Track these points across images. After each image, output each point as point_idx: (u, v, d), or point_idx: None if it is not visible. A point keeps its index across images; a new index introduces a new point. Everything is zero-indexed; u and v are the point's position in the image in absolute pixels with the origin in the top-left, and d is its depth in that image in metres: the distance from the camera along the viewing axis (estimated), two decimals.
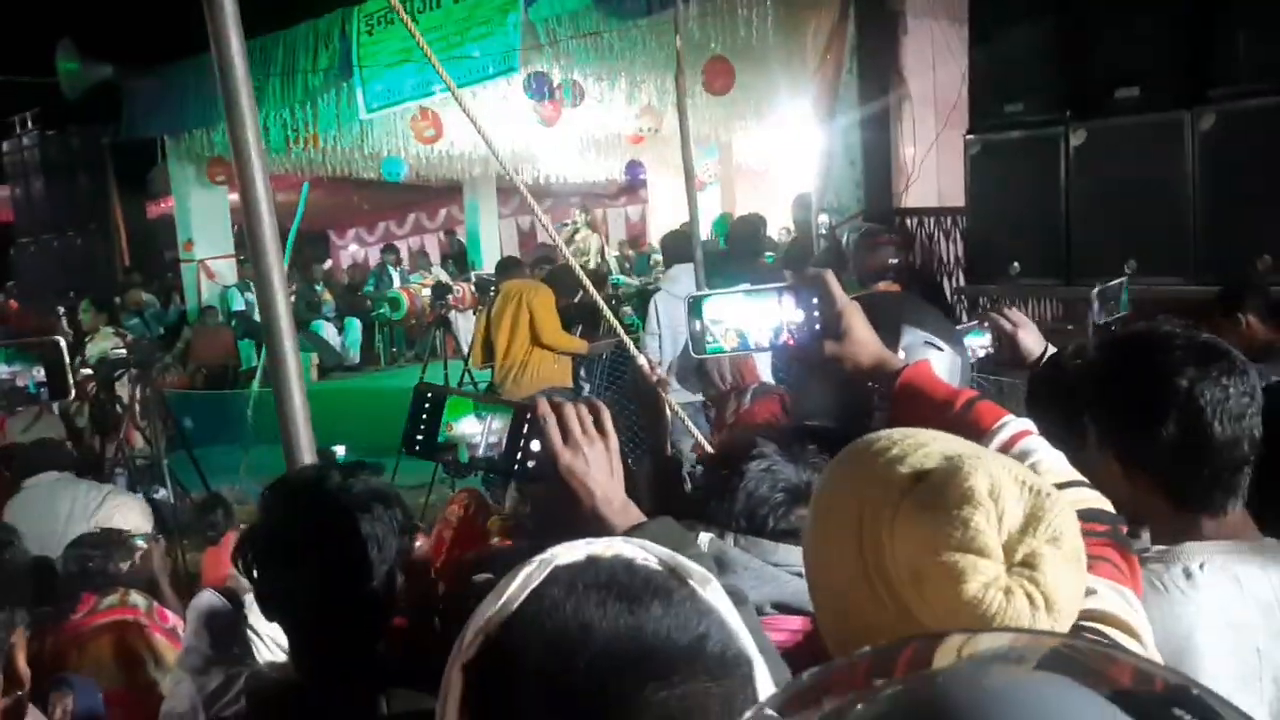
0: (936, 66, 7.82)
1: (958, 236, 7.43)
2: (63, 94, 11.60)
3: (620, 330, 4.47)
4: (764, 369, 3.95)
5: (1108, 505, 1.22)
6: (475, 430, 1.25)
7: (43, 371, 1.47)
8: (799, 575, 1.49)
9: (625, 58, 9.05)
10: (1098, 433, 1.42)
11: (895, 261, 5.61)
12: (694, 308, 1.56)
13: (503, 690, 0.74)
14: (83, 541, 4.12)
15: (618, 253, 15.19)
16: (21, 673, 1.15)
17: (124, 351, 6.62)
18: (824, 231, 7.81)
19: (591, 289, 4.78)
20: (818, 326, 1.49)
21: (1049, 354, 2.01)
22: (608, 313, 4.23)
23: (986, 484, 0.91)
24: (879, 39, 7.67)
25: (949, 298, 6.74)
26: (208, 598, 4.24)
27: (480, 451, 1.25)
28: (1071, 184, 5.38)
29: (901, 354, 1.58)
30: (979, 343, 2.26)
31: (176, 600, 4.68)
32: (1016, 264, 5.73)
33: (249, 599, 4.57)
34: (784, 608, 1.34)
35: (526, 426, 1.22)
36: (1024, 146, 5.65)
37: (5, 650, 1.12)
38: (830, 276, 1.51)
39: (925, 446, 0.99)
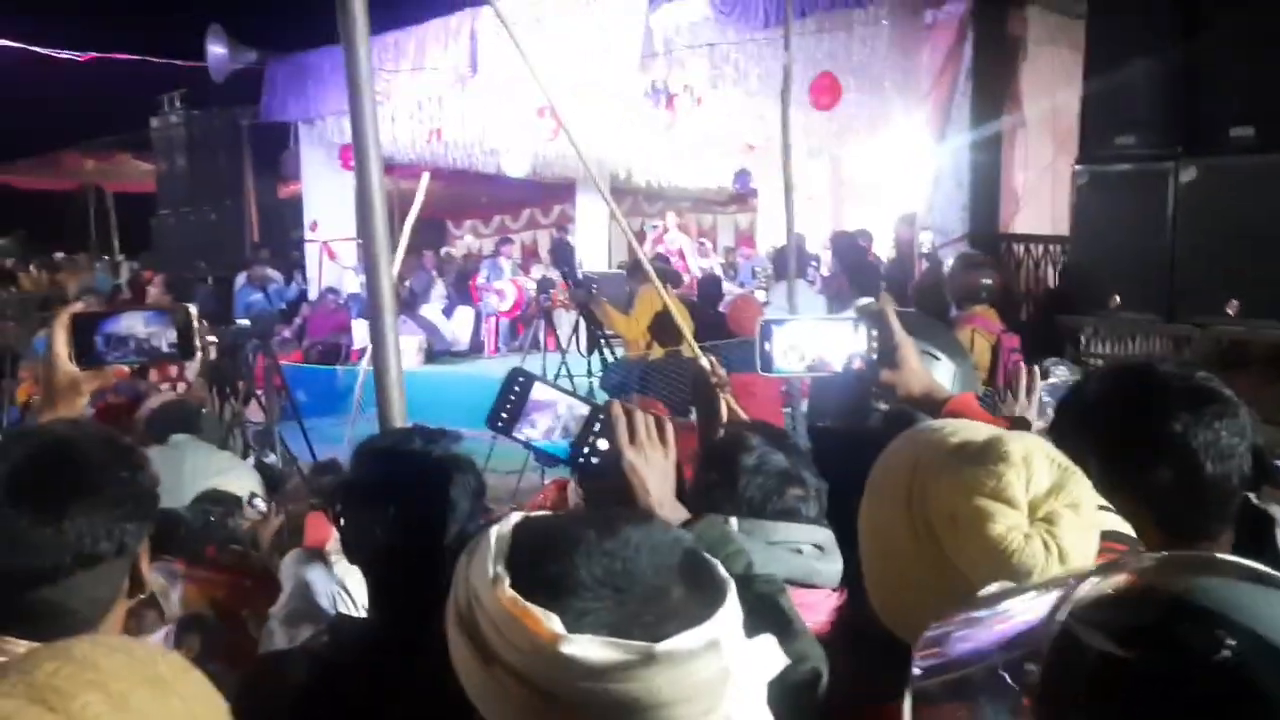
0: (1056, 93, 7.75)
1: (1063, 265, 7.36)
2: (209, 76, 12.29)
3: (686, 332, 4.62)
4: None
5: (1128, 529, 1.34)
6: (553, 419, 1.41)
7: (175, 333, 1.66)
8: (798, 552, 1.65)
9: (741, 68, 9.18)
10: (1095, 462, 1.53)
11: (990, 284, 5.62)
12: (764, 331, 1.74)
13: None
14: (206, 498, 4.48)
15: (723, 259, 15.30)
16: (146, 579, 1.36)
17: (247, 322, 7.02)
18: (926, 251, 7.82)
19: (661, 288, 4.95)
20: (874, 356, 1.69)
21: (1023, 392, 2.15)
22: (676, 314, 4.38)
23: (1021, 451, 1.09)
24: (997, 63, 7.64)
25: (1047, 326, 6.68)
26: (301, 555, 4.56)
27: (555, 439, 1.41)
28: (1179, 220, 5.31)
29: None
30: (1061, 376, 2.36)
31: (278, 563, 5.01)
32: (1117, 297, 5.68)
33: (336, 558, 4.89)
34: (791, 581, 1.50)
35: (598, 424, 1.37)
36: (1133, 179, 5.60)
37: (133, 557, 1.34)
38: (890, 312, 1.70)
39: (973, 428, 1.18)
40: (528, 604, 0.86)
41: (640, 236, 20.07)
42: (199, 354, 1.71)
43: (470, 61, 10.39)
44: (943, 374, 1.88)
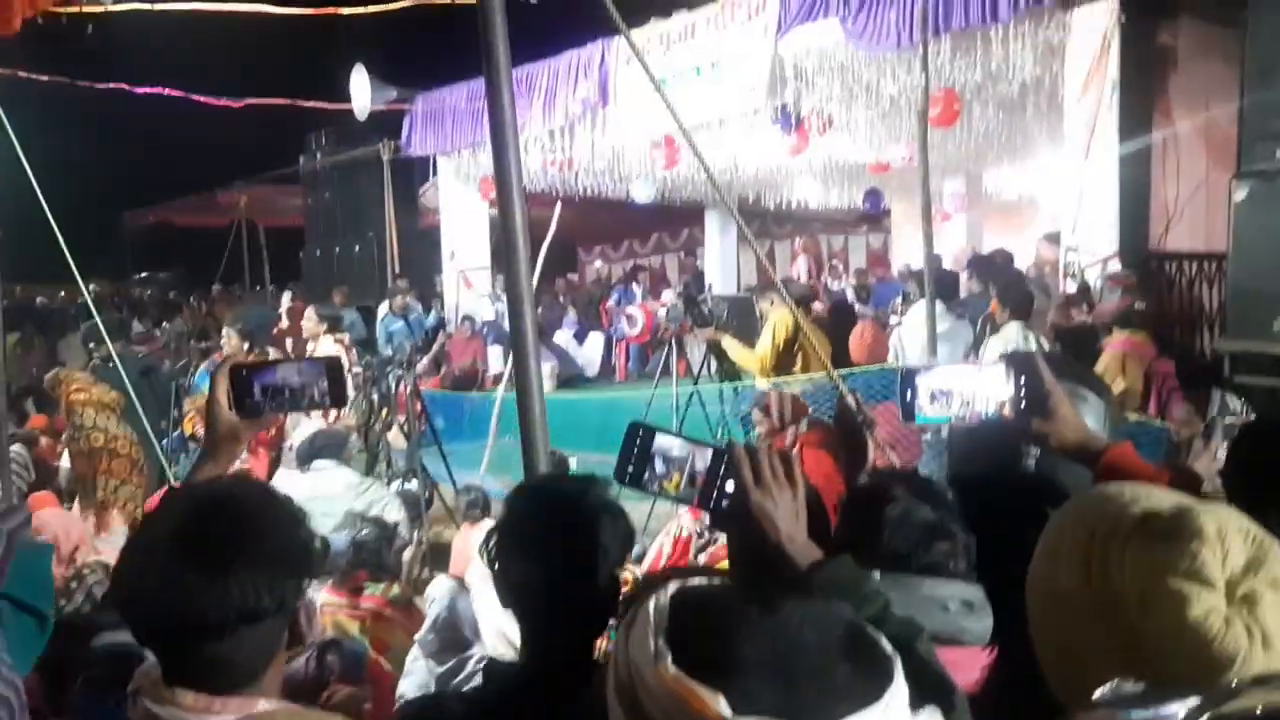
0: (1209, 106, 7.39)
1: (1221, 285, 6.98)
2: (353, 114, 12.83)
3: (825, 360, 4.55)
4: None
5: None
6: (679, 467, 1.40)
7: (327, 383, 1.73)
8: (945, 608, 1.59)
9: (872, 89, 9.07)
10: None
11: (1141, 307, 5.37)
12: (906, 379, 1.70)
13: None
14: (359, 525, 4.65)
15: (855, 281, 15.07)
16: (304, 633, 1.42)
17: (390, 351, 7.27)
18: (1073, 272, 7.53)
19: (796, 311, 4.88)
20: (1023, 404, 1.63)
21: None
22: (812, 338, 4.31)
23: (1215, 526, 1.03)
24: (1145, 76, 7.34)
25: (1204, 351, 6.34)
26: (447, 585, 4.68)
27: (682, 485, 1.41)
28: None
29: None
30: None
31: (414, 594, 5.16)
32: None
33: (479, 587, 4.98)
34: (937, 638, 1.45)
35: (724, 467, 1.37)
36: None
37: (293, 611, 1.39)
38: (1040, 359, 1.64)
39: (1155, 495, 1.11)
40: (693, 683, 0.86)
41: (770, 260, 20.00)
42: (349, 402, 1.77)
43: (601, 92, 10.56)
44: (1092, 414, 1.80)
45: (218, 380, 1.69)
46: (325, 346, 7.95)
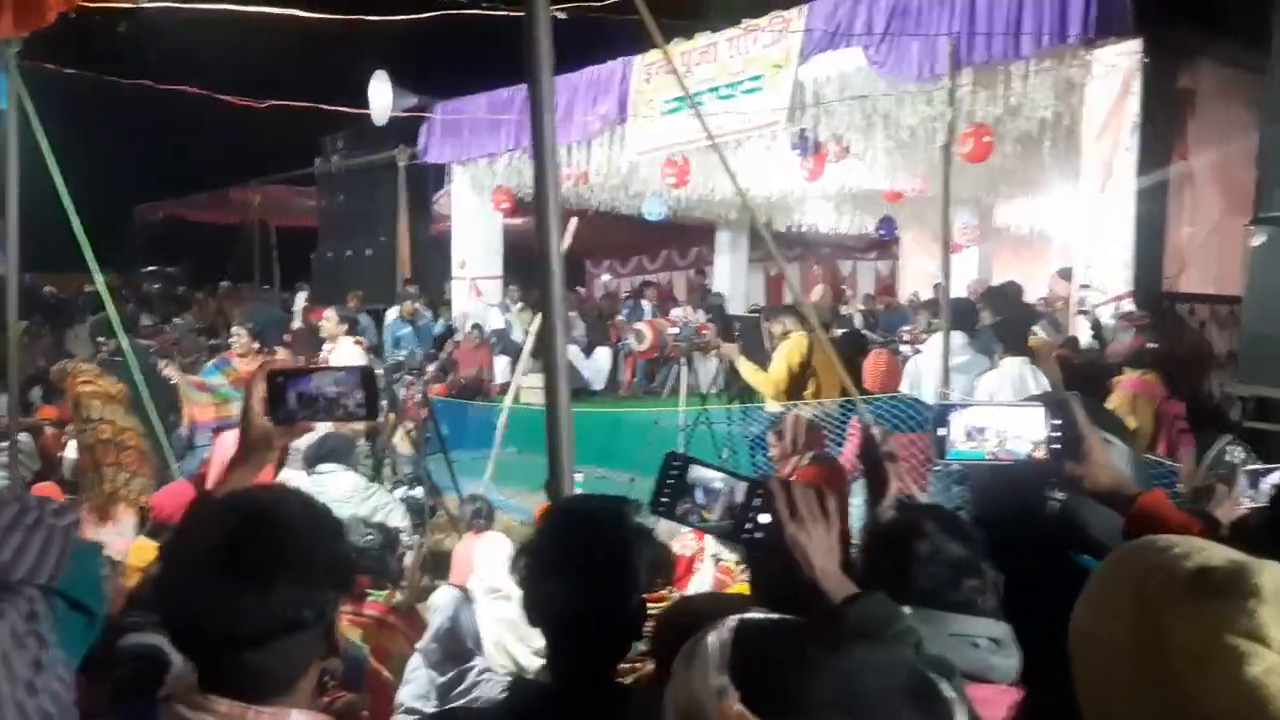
0: (1226, 148, 7.42)
1: (1233, 328, 6.99)
2: (370, 119, 12.86)
3: (851, 388, 4.56)
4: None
5: None
6: (713, 498, 1.41)
7: (362, 394, 1.69)
8: (974, 645, 1.59)
9: (891, 118, 9.11)
10: None
11: (1153, 347, 5.37)
12: (939, 417, 1.70)
13: None
14: (361, 531, 4.63)
15: (864, 306, 15.09)
16: (339, 644, 1.42)
17: (402, 357, 7.28)
18: (1085, 309, 7.54)
19: (822, 335, 4.89)
20: (1057, 446, 1.63)
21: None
22: (836, 364, 4.32)
23: (1272, 583, 1.01)
24: (1165, 116, 7.36)
25: (1215, 394, 6.34)
26: (449, 595, 4.67)
27: (716, 517, 1.42)
28: None
29: None
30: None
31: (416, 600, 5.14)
32: None
33: (481, 597, 4.96)
34: (966, 675, 1.45)
35: (758, 499, 1.38)
36: None
37: (330, 622, 1.39)
38: (1075, 403, 1.64)
39: (1206, 549, 1.09)
40: None
41: (778, 282, 20.03)
42: (381, 415, 1.76)
43: (619, 109, 10.61)
44: (1120, 460, 1.80)
45: (254, 386, 1.68)
46: (344, 348, 7.98)
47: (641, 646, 1.83)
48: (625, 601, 1.61)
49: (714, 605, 1.89)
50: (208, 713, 1.29)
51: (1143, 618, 1.06)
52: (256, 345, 7.29)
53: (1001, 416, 1.72)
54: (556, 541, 1.66)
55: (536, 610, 1.64)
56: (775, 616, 1.03)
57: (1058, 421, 1.67)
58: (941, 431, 1.71)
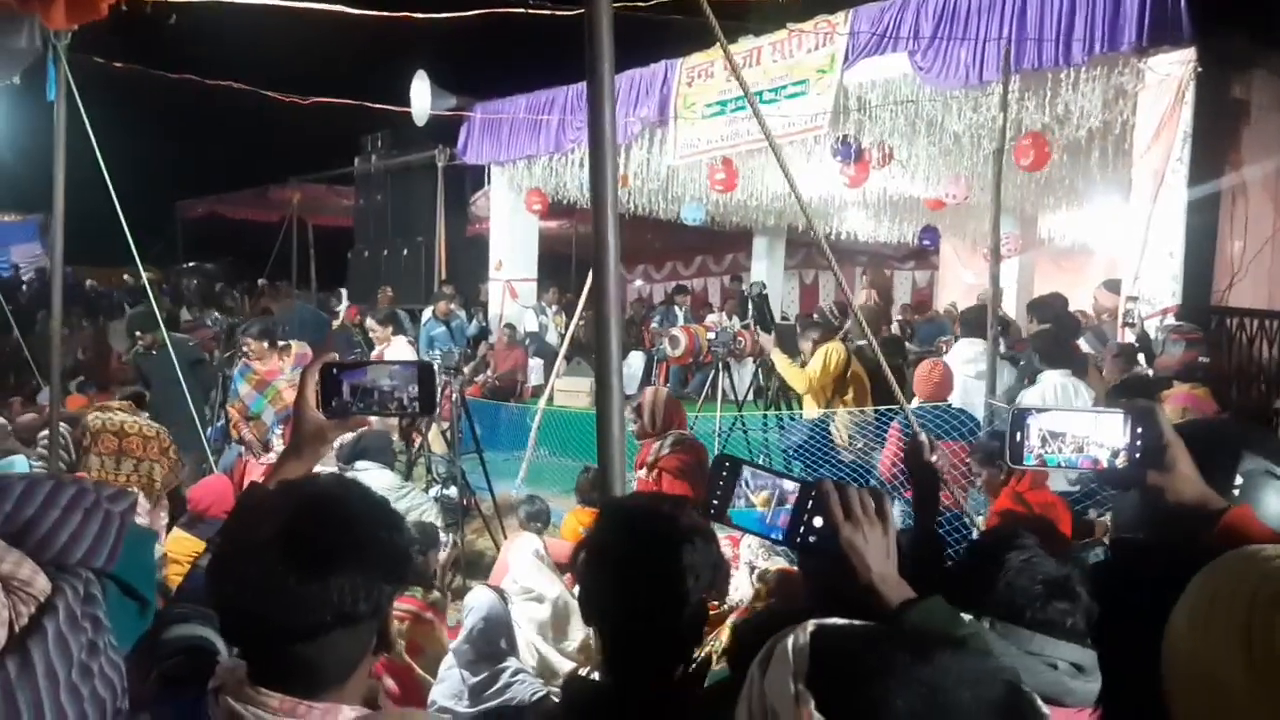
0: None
1: None
2: (410, 119, 12.90)
3: (899, 394, 4.47)
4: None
5: None
6: (765, 501, 1.37)
7: (417, 388, 1.66)
8: (1052, 666, 1.52)
9: (936, 124, 9.01)
10: None
11: (1205, 361, 5.25)
12: (1017, 421, 1.64)
13: None
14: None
15: (900, 316, 14.95)
16: (392, 639, 1.38)
17: (438, 356, 7.23)
18: (1132, 321, 7.40)
19: (874, 343, 4.83)
20: (1138, 455, 1.55)
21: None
22: (888, 371, 4.25)
23: None
24: (1217, 127, 7.22)
25: (1261, 411, 6.20)
26: (486, 596, 4.63)
27: (769, 520, 1.37)
28: None
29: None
30: None
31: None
32: None
33: (518, 599, 4.91)
34: (1042, 698, 1.39)
35: (812, 502, 1.32)
36: None
37: (383, 617, 1.36)
38: (1160, 410, 1.56)
39: None
40: None
41: (813, 289, 19.91)
42: (437, 409, 1.72)
43: (661, 111, 10.57)
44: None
45: (307, 378, 1.65)
46: (398, 346, 8.00)
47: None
48: (682, 601, 1.56)
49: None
50: (258, 706, 1.25)
51: (1255, 630, 1.00)
52: (266, 344, 7.13)
53: (1079, 422, 1.65)
54: (612, 539, 1.61)
55: (591, 608, 1.59)
56: (856, 622, 0.97)
57: (1139, 429, 1.60)
58: (1019, 436, 1.65)
